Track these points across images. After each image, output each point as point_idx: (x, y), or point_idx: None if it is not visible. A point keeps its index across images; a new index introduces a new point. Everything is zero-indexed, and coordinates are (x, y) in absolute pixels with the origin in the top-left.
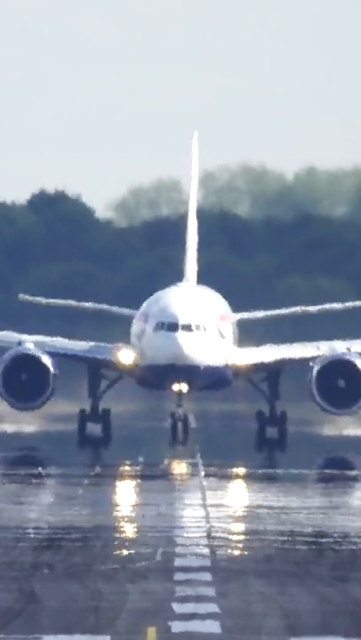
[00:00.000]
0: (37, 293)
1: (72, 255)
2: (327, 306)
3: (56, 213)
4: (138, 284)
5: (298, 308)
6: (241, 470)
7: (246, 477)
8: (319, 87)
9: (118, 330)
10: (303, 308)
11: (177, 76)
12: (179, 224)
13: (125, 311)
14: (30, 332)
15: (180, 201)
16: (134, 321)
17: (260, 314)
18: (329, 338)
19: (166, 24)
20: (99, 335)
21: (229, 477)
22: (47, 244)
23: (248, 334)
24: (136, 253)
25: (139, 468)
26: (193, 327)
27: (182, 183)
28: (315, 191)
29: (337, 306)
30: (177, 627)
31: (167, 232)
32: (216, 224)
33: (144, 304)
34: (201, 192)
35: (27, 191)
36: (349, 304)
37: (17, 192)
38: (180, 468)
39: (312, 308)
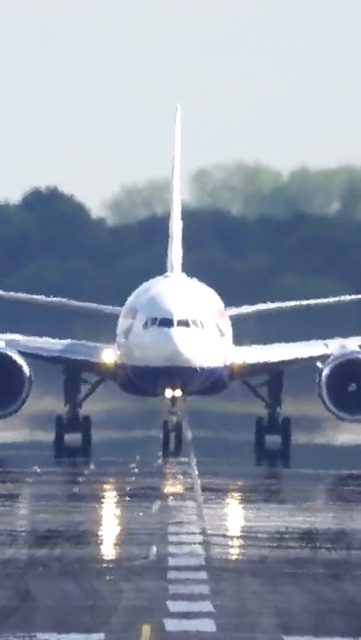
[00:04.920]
0: (32, 292)
1: (66, 253)
2: (322, 300)
3: (50, 212)
4: (132, 283)
5: (290, 303)
6: (238, 491)
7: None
8: (314, 85)
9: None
10: (297, 302)
11: (171, 75)
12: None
13: (107, 308)
14: (28, 333)
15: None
16: (121, 317)
17: (250, 309)
18: (330, 336)
19: (162, 23)
20: (94, 335)
21: (225, 491)
22: (41, 243)
23: (242, 332)
24: (130, 252)
25: (134, 465)
26: (190, 323)
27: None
28: (309, 189)
29: (330, 300)
30: (171, 625)
31: (161, 231)
32: (210, 222)
33: (131, 297)
34: (195, 191)
35: (19, 189)
36: (344, 297)
37: (9, 190)
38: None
39: (307, 302)
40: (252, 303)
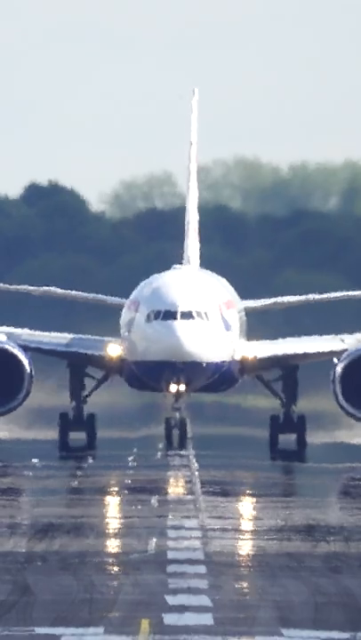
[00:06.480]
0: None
1: (67, 248)
2: (349, 293)
3: (50, 205)
4: (133, 277)
5: (307, 297)
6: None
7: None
8: (314, 80)
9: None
10: (320, 295)
11: (170, 69)
12: (174, 217)
13: (112, 300)
14: (30, 327)
15: (173, 194)
16: (124, 309)
17: (268, 301)
18: (332, 332)
19: (161, 18)
20: (98, 331)
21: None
22: (42, 237)
23: (256, 326)
24: (131, 247)
25: (132, 459)
26: (194, 315)
27: (175, 177)
28: (309, 185)
29: (355, 293)
30: (170, 619)
31: (162, 225)
32: (210, 218)
33: (135, 289)
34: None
35: (18, 183)
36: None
37: (9, 185)
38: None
39: (325, 297)
40: (253, 298)
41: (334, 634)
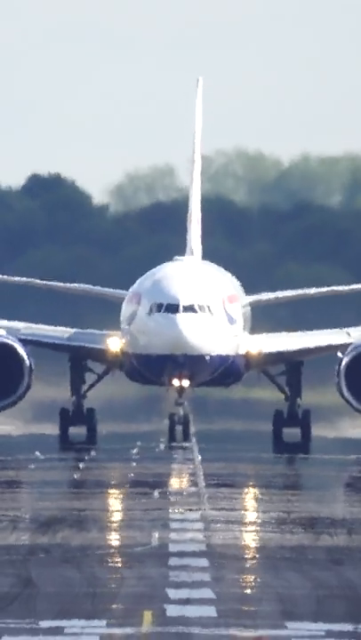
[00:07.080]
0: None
1: (70, 240)
2: (353, 287)
3: (52, 198)
4: (136, 270)
5: (312, 290)
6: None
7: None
8: (315, 74)
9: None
10: (329, 288)
11: (172, 60)
12: (177, 209)
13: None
14: (30, 320)
15: (175, 187)
16: (125, 302)
17: (273, 295)
18: (335, 325)
19: (162, 11)
20: (100, 324)
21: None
22: (44, 230)
23: (261, 319)
24: (134, 238)
25: (135, 452)
26: (197, 309)
27: (177, 169)
28: (311, 178)
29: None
30: (172, 611)
31: (165, 217)
32: (212, 210)
33: (137, 282)
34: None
35: (19, 175)
36: None
37: (12, 177)
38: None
39: (341, 289)
40: (255, 291)
41: (337, 626)
